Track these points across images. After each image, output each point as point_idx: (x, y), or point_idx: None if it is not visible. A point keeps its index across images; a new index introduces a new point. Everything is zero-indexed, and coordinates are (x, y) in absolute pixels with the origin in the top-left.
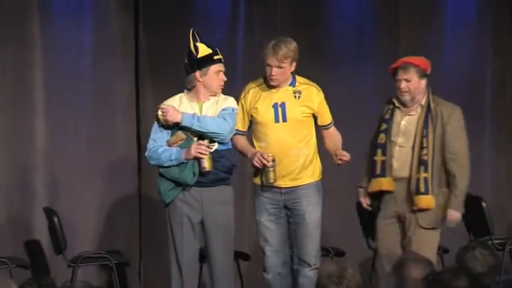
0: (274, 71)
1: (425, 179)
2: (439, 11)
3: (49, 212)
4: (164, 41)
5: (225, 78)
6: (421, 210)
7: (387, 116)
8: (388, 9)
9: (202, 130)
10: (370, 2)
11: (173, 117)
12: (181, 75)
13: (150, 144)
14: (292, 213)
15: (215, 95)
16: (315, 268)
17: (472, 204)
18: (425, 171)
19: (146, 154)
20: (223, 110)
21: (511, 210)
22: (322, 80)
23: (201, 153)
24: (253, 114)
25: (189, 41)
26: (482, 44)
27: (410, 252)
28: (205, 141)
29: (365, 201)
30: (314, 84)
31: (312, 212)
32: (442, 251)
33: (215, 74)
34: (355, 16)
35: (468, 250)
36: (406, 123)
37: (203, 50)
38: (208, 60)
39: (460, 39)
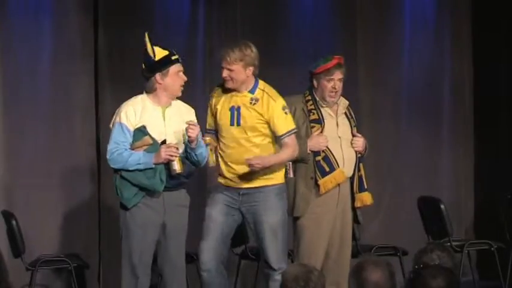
0: (225, 72)
1: (361, 176)
2: (398, 11)
3: (7, 215)
4: (124, 43)
5: (185, 78)
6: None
7: (315, 117)
8: (346, 9)
9: (199, 159)
10: (329, 2)
11: (195, 136)
12: (141, 77)
13: (113, 147)
14: (249, 216)
15: (174, 98)
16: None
17: (430, 207)
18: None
19: (108, 157)
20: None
21: (470, 213)
22: (282, 80)
23: (172, 156)
24: (216, 115)
25: (146, 44)
26: (440, 44)
27: (370, 255)
28: (173, 143)
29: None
30: (274, 94)
31: (269, 215)
32: (402, 253)
33: (175, 75)
34: (314, 16)
35: (426, 252)
36: (341, 122)
37: (159, 52)
38: (166, 62)
39: (419, 39)
